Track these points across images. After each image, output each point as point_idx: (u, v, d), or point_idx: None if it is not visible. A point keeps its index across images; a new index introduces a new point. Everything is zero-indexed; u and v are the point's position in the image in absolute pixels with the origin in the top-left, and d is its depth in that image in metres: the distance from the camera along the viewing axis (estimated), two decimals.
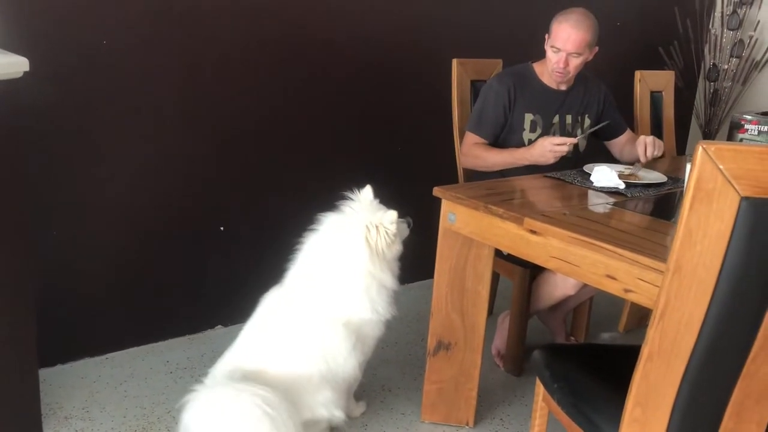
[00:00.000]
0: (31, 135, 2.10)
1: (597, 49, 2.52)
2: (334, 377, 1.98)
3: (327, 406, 1.98)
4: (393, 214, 1.98)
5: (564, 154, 2.36)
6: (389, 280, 2.02)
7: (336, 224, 2.00)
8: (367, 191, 2.05)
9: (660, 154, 2.55)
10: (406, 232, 2.10)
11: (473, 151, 2.54)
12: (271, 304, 2.03)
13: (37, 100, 2.10)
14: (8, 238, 1.91)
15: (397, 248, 2.04)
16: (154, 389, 2.36)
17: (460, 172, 2.70)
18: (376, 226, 1.96)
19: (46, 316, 2.19)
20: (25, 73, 1.82)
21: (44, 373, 2.29)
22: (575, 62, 2.47)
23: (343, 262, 1.97)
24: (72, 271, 2.43)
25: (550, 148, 2.35)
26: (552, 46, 2.47)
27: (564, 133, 2.61)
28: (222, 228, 2.74)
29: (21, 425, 2.04)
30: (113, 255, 2.52)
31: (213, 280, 2.75)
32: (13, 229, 1.92)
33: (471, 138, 2.56)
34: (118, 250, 2.52)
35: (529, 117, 2.55)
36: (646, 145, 2.50)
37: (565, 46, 2.44)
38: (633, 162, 2.60)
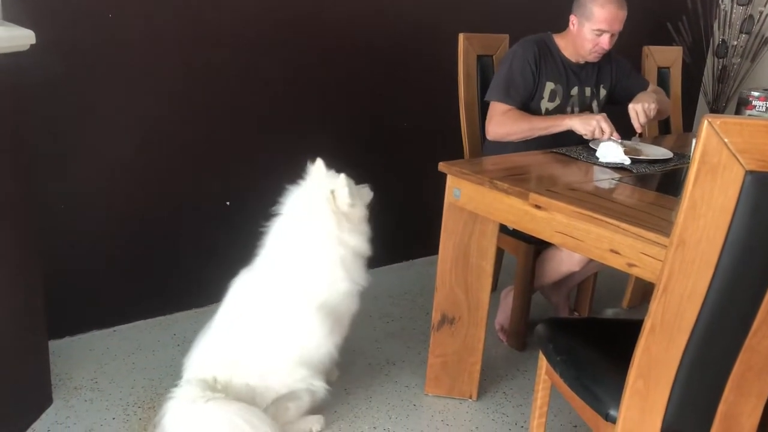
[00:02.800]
0: (37, 107, 2.11)
1: None
2: (310, 360, 2.00)
3: (304, 381, 2.00)
4: (342, 178, 1.99)
5: (599, 136, 2.31)
6: (361, 244, 2.03)
7: (297, 200, 2.01)
8: (319, 163, 2.05)
9: (653, 114, 2.49)
10: (369, 195, 2.13)
11: (507, 117, 2.45)
12: (243, 289, 2.03)
13: (43, 73, 2.10)
14: (17, 211, 1.92)
15: (360, 211, 2.04)
16: (162, 361, 2.39)
17: (466, 148, 2.70)
18: (332, 192, 1.97)
19: (54, 289, 2.21)
20: (32, 45, 1.82)
21: (53, 345, 2.32)
22: (615, 38, 2.49)
23: (313, 237, 1.98)
24: (79, 246, 2.45)
25: (599, 120, 2.31)
26: (596, 29, 2.44)
27: (582, 104, 2.62)
28: (228, 203, 2.75)
29: (32, 395, 2.08)
30: (120, 229, 2.54)
31: (219, 253, 2.77)
32: (21, 203, 1.94)
33: (500, 107, 2.49)
34: (125, 224, 2.54)
35: (549, 86, 2.54)
36: (637, 115, 2.47)
37: (612, 26, 2.44)
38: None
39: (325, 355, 2.02)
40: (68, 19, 2.25)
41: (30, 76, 1.90)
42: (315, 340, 1.98)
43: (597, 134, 2.32)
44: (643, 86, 2.72)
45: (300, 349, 1.97)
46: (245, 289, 2.03)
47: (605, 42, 2.47)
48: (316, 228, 1.98)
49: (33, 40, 1.82)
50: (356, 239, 2.02)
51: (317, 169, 2.05)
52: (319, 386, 2.03)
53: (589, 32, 2.47)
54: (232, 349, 1.97)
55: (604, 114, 2.38)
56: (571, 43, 2.55)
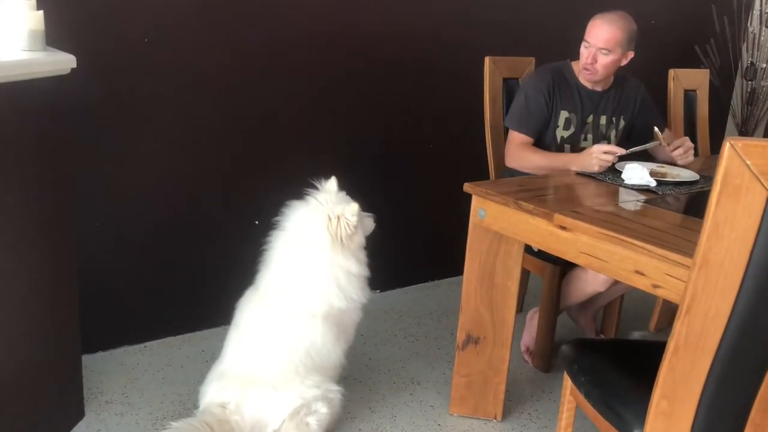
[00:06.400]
0: (77, 129, 2.18)
1: (632, 54, 2.48)
2: (320, 366, 2.04)
3: (319, 387, 2.02)
4: (354, 207, 2.01)
5: (609, 165, 2.32)
6: (355, 266, 2.05)
7: (298, 219, 2.05)
8: (332, 182, 2.10)
9: (689, 160, 2.54)
10: (371, 226, 2.16)
11: (519, 153, 2.52)
12: (250, 308, 2.09)
13: (84, 96, 2.17)
14: (55, 229, 1.99)
15: (359, 239, 2.07)
16: (191, 377, 2.42)
17: (491, 169, 2.72)
18: (338, 217, 2.00)
19: (87, 304, 2.26)
20: (72, 69, 1.90)
21: (86, 359, 2.36)
22: (604, 60, 2.45)
23: (308, 255, 2.02)
24: (112, 263, 2.52)
25: (597, 155, 2.30)
26: (584, 41, 2.47)
27: (597, 133, 2.61)
28: (257, 222, 2.79)
29: (65, 408, 2.13)
30: (152, 247, 2.60)
31: (248, 271, 2.81)
32: (59, 221, 2.01)
33: (515, 137, 2.55)
34: (157, 242, 2.60)
35: (564, 114, 2.56)
36: (684, 149, 2.51)
37: (595, 40, 2.43)
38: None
39: (334, 362, 2.07)
40: (107, 44, 2.33)
41: (71, 98, 1.97)
42: (323, 347, 2.03)
43: (604, 165, 2.31)
44: (662, 128, 2.73)
45: (312, 356, 2.01)
46: (253, 307, 2.08)
47: (589, 55, 2.45)
48: (313, 248, 2.02)
49: (74, 64, 1.89)
50: (351, 263, 2.04)
51: (328, 187, 2.09)
52: (335, 391, 2.05)
53: (582, 45, 2.49)
54: (245, 367, 2.02)
55: (598, 145, 2.37)
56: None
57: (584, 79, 2.56)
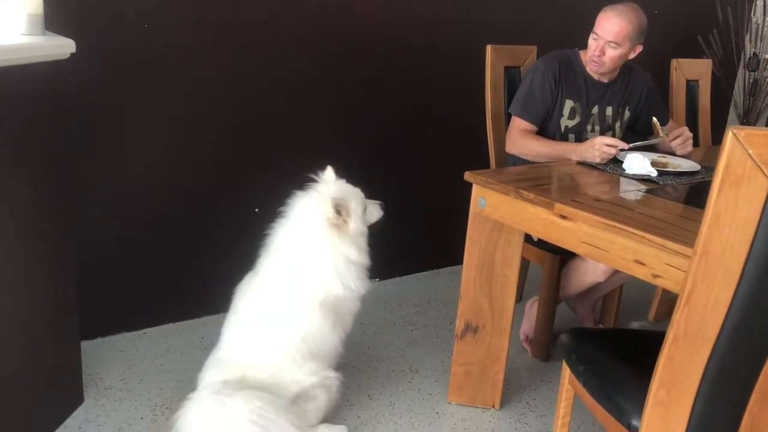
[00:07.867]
0: (76, 113, 2.17)
1: (641, 48, 2.47)
2: (318, 353, 2.04)
3: (316, 374, 2.03)
4: (343, 193, 2.03)
5: (611, 157, 2.30)
6: (355, 253, 2.04)
7: (299, 206, 2.06)
8: (329, 172, 2.11)
9: (687, 150, 2.54)
10: (377, 213, 2.15)
11: (520, 140, 2.51)
12: (248, 293, 2.09)
13: (83, 81, 2.16)
14: (53, 216, 1.99)
15: (359, 226, 2.06)
16: (190, 364, 2.42)
17: (492, 158, 2.72)
18: (334, 204, 1.99)
19: (85, 291, 2.27)
20: (71, 54, 1.89)
21: (85, 345, 2.37)
22: (612, 53, 2.43)
23: (307, 241, 2.03)
24: (111, 250, 2.52)
25: (599, 147, 2.28)
26: (593, 32, 2.45)
27: (603, 124, 2.60)
28: (257, 210, 2.79)
29: (65, 393, 2.14)
30: (151, 234, 2.60)
31: (247, 259, 2.81)
32: (57, 207, 2.00)
33: (518, 123, 2.54)
34: (156, 229, 2.60)
35: (569, 103, 2.54)
36: (684, 138, 2.51)
37: (604, 33, 2.41)
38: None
39: (330, 349, 2.07)
40: (106, 29, 2.32)
41: (70, 82, 1.96)
42: (319, 334, 2.03)
43: (606, 157, 2.29)
44: (666, 120, 2.72)
45: (308, 343, 2.01)
46: (251, 293, 2.08)
47: (597, 48, 2.44)
48: (312, 236, 2.02)
49: (73, 49, 1.88)
50: (351, 251, 2.04)
51: (326, 177, 2.10)
52: (332, 377, 2.06)
53: (590, 37, 2.47)
54: (242, 353, 2.02)
55: (601, 137, 2.36)
56: None
57: (590, 70, 2.55)
